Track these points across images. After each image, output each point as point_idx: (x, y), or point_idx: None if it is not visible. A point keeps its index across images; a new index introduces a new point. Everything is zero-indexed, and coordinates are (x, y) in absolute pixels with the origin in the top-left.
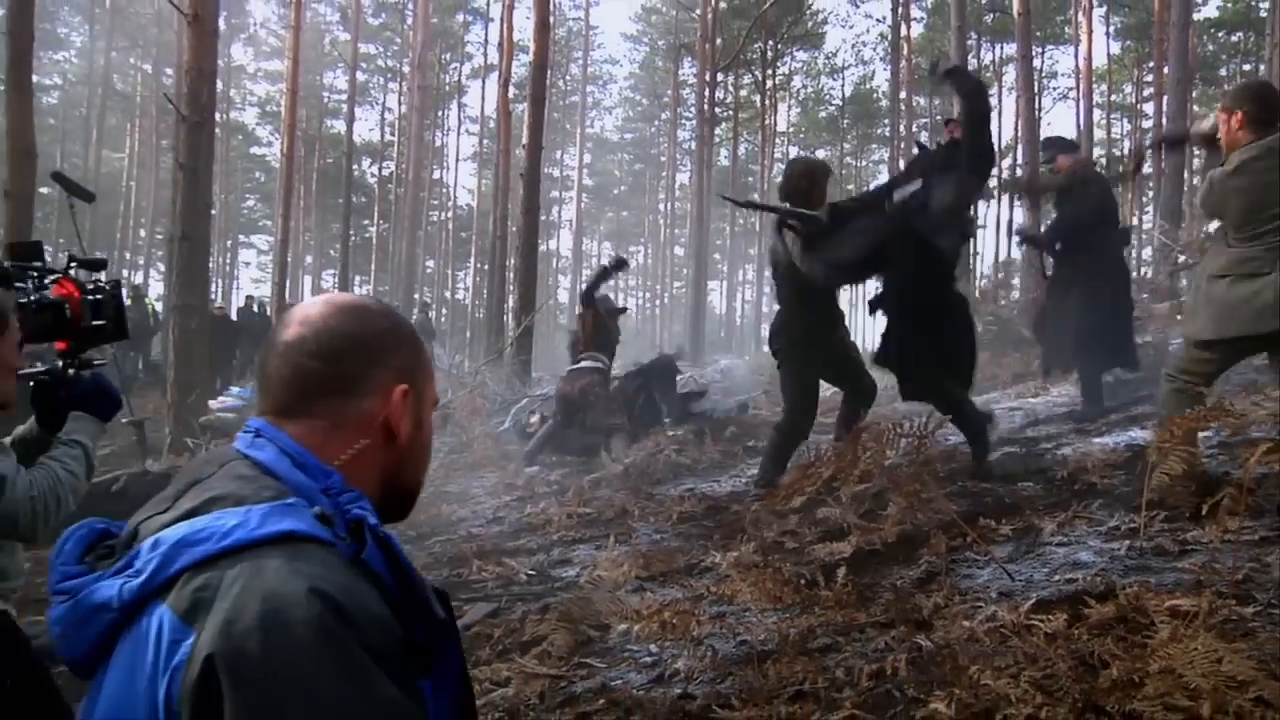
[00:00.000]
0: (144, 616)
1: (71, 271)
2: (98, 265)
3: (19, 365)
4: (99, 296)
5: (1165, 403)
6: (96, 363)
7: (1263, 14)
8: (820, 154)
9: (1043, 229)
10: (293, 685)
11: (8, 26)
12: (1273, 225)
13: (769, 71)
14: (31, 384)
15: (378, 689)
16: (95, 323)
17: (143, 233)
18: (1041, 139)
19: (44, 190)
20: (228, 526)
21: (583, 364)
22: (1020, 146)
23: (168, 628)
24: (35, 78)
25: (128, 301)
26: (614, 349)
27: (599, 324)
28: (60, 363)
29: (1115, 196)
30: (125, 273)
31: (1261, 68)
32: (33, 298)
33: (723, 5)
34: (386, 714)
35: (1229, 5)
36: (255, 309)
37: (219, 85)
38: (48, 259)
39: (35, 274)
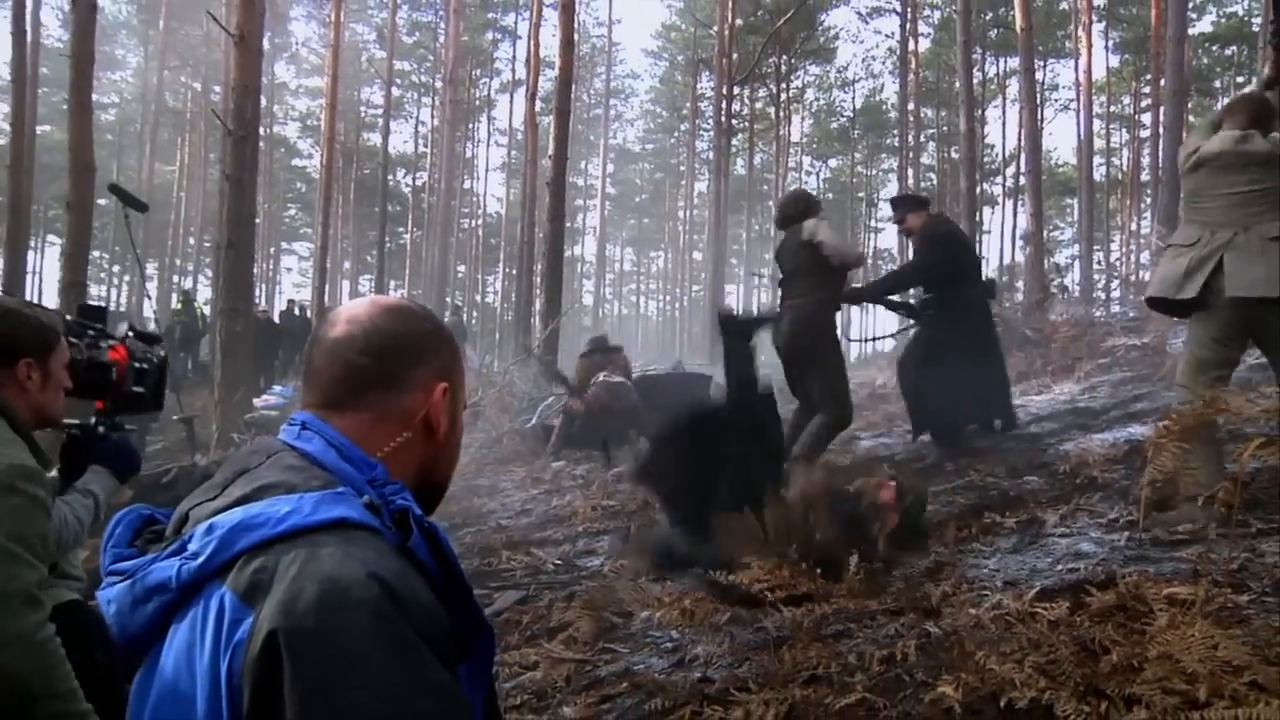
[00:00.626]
0: (201, 597)
1: (128, 339)
2: (153, 339)
3: (68, 384)
4: (144, 366)
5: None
6: (128, 427)
7: (1255, 28)
8: (832, 163)
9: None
10: (350, 663)
11: (71, 49)
12: (1210, 205)
13: (783, 85)
14: (65, 435)
15: (428, 671)
16: (135, 389)
17: (192, 240)
18: (891, 198)
19: (102, 201)
20: (282, 513)
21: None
22: (1023, 156)
23: (229, 607)
24: (94, 97)
25: (177, 306)
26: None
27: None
28: (93, 420)
29: (973, 250)
30: (175, 279)
31: (1254, 80)
32: (86, 355)
33: (739, 22)
34: (436, 695)
35: (1223, 20)
36: (296, 312)
37: (263, 101)
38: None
39: (92, 334)
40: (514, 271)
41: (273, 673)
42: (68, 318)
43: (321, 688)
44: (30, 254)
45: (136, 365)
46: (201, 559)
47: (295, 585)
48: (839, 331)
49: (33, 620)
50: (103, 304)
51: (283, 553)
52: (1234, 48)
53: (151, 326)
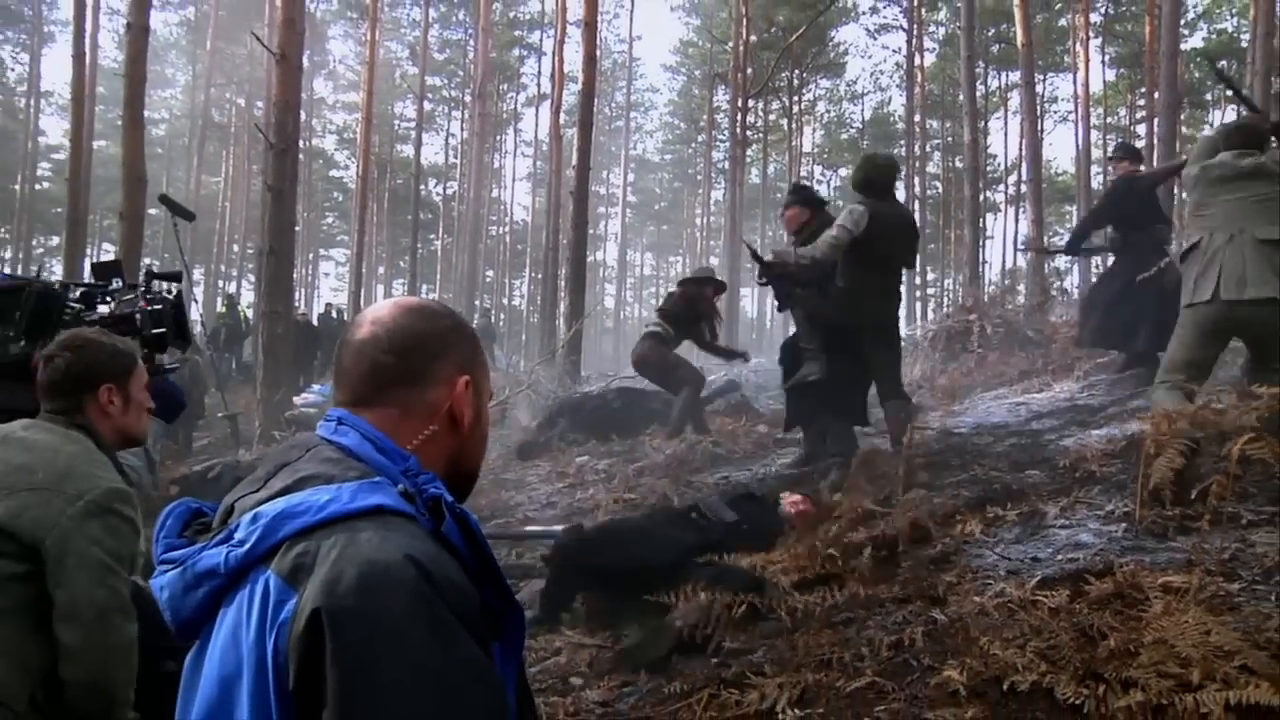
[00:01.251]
0: (247, 582)
1: (152, 285)
2: (173, 277)
3: (150, 404)
4: (158, 306)
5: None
6: (168, 367)
7: (1244, 44)
8: (842, 173)
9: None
10: (389, 639)
11: (125, 70)
12: (1211, 213)
13: (795, 98)
14: None
15: (461, 648)
16: (155, 330)
17: (236, 247)
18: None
19: (152, 211)
20: (322, 501)
21: (649, 329)
22: (1024, 165)
23: (274, 589)
24: (146, 113)
25: (222, 309)
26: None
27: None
28: None
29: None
30: (220, 283)
31: (1245, 92)
32: (105, 312)
33: (753, 38)
34: (469, 670)
35: (1214, 37)
36: (334, 315)
37: (302, 116)
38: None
39: (102, 288)
40: (539, 276)
41: (316, 649)
42: (64, 283)
43: (361, 663)
44: (86, 260)
45: (150, 308)
46: (248, 545)
47: (336, 567)
48: None
49: (129, 632)
50: (116, 259)
51: (324, 538)
52: (1224, 62)
53: (198, 330)
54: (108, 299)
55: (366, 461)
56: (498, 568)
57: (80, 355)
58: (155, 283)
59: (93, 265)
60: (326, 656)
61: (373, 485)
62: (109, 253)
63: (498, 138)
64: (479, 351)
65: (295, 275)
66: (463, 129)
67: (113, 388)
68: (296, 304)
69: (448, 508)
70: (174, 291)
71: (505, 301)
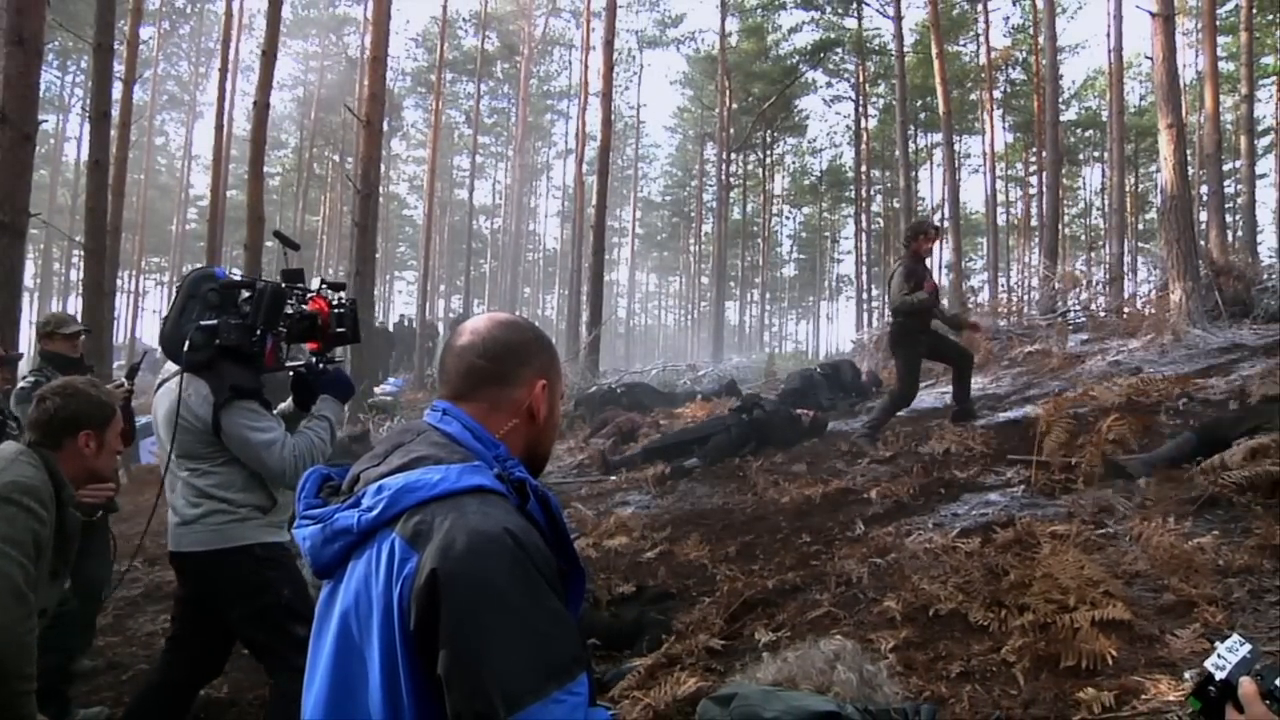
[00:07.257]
0: (375, 540)
1: (323, 291)
2: (339, 287)
3: (121, 448)
4: (341, 310)
5: None
6: (337, 360)
7: (1104, 118)
8: (805, 211)
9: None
10: (493, 594)
11: (251, 136)
12: None
13: (767, 152)
14: (292, 375)
15: (547, 601)
16: (338, 330)
17: (331, 270)
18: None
19: (268, 244)
20: (435, 479)
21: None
22: (946, 205)
23: (398, 550)
24: (265, 168)
25: None
26: None
27: None
28: (313, 359)
29: None
30: None
31: (1106, 154)
32: (295, 310)
33: (734, 105)
34: (553, 618)
35: (1083, 111)
36: (406, 324)
37: (382, 168)
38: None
39: (299, 292)
40: (566, 292)
41: (434, 600)
42: (280, 283)
43: (470, 612)
44: None
45: (335, 311)
46: (375, 512)
47: (449, 535)
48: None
49: (16, 613)
50: (300, 267)
51: (438, 510)
52: (1090, 131)
53: None
54: (305, 298)
55: (467, 447)
56: (569, 537)
57: (68, 402)
58: (329, 290)
59: (283, 272)
60: (442, 606)
61: (473, 468)
62: (238, 276)
63: (533, 183)
64: (555, 359)
65: (376, 292)
66: (506, 176)
67: (91, 434)
68: (377, 315)
69: (531, 489)
70: (352, 300)
71: (539, 313)
